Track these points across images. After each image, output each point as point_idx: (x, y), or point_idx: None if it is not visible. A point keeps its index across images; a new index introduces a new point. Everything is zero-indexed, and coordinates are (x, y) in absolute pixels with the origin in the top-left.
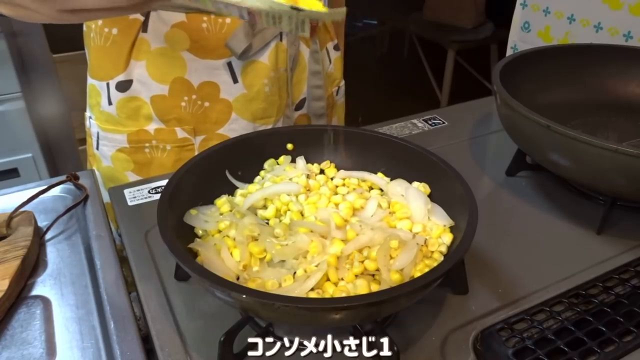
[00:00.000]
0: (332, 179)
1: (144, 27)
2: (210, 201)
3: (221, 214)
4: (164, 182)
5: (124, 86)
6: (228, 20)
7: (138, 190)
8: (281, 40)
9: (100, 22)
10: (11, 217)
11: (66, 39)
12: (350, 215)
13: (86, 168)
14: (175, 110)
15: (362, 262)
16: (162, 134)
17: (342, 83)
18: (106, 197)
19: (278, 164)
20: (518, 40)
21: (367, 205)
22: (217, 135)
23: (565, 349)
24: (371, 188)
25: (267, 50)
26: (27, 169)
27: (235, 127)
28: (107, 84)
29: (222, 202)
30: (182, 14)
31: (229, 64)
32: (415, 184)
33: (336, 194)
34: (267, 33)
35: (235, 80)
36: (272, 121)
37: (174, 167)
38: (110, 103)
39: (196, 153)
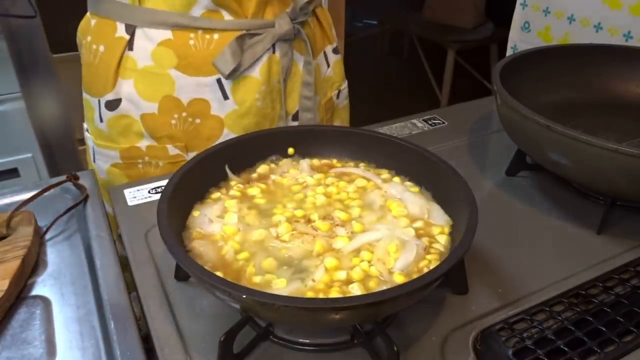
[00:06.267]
0: (331, 176)
1: (130, 45)
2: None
3: (226, 209)
4: (164, 182)
5: (113, 105)
6: (216, 35)
7: (138, 190)
8: (274, 52)
9: (89, 38)
10: (11, 217)
11: (66, 39)
12: (349, 199)
13: (86, 168)
14: (166, 127)
15: (363, 261)
16: (154, 151)
17: (344, 86)
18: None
19: (277, 165)
20: (518, 40)
21: (367, 196)
22: None
23: (565, 349)
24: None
25: (258, 65)
26: (27, 169)
27: None
28: (99, 101)
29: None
30: (168, 30)
31: (219, 81)
32: (407, 184)
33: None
34: (257, 48)
35: (225, 97)
36: None
37: None
38: (101, 120)
39: None
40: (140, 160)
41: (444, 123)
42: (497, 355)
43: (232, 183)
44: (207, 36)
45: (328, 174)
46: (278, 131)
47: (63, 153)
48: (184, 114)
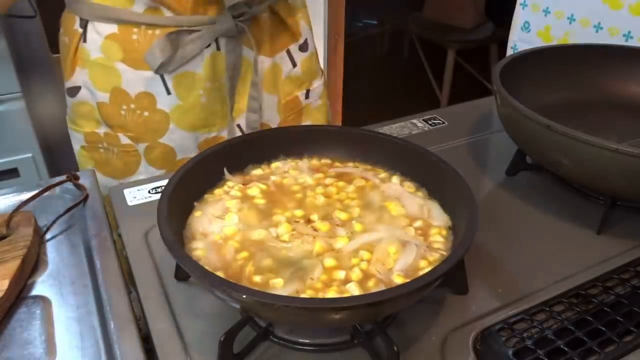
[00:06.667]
0: (330, 176)
1: (84, 37)
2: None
3: (226, 209)
4: (164, 182)
5: (73, 91)
6: (157, 31)
7: (138, 190)
8: (218, 49)
9: (61, 29)
10: (11, 217)
11: None
12: (349, 199)
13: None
14: (117, 117)
15: (363, 261)
16: (109, 138)
17: (316, 85)
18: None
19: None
20: (518, 40)
21: (366, 196)
22: (159, 144)
23: (565, 349)
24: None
25: (200, 61)
26: (27, 169)
27: (174, 137)
28: (65, 87)
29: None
30: (114, 25)
31: (162, 76)
32: (406, 184)
33: (337, 192)
34: (195, 44)
35: (168, 92)
36: (215, 130)
37: (124, 171)
38: (67, 104)
39: (142, 159)
40: (100, 145)
41: (444, 123)
42: (497, 355)
43: (231, 184)
44: (150, 31)
45: (327, 174)
46: (279, 131)
47: (63, 153)
48: (132, 106)
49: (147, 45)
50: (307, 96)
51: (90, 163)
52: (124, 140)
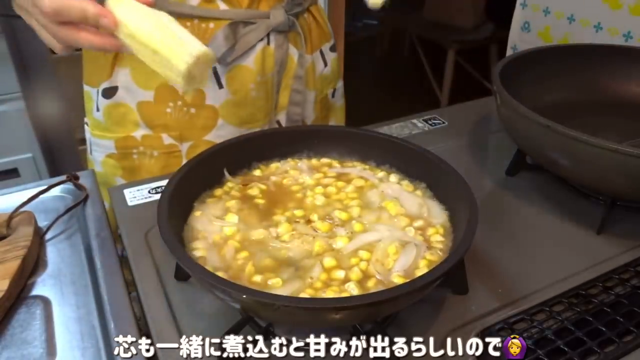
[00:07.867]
0: (330, 176)
1: None
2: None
3: (226, 209)
4: (164, 182)
5: (109, 93)
6: (211, 24)
7: (138, 190)
8: (268, 43)
9: None
10: (11, 217)
11: None
12: (348, 199)
13: (86, 168)
14: (161, 116)
15: (362, 261)
16: (149, 140)
17: (340, 85)
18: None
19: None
20: (518, 40)
21: (365, 195)
22: (204, 142)
23: (565, 349)
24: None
25: (252, 54)
26: (27, 169)
27: (222, 134)
28: (97, 91)
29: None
30: None
31: (214, 70)
32: (404, 183)
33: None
34: (251, 36)
35: (220, 86)
36: (259, 125)
37: (162, 174)
38: (98, 109)
39: (184, 160)
40: (135, 150)
41: (444, 123)
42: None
43: (231, 184)
44: (203, 25)
45: (327, 174)
46: (279, 131)
47: (63, 153)
48: (179, 103)
49: (200, 39)
50: (333, 95)
51: (117, 173)
52: (167, 140)
